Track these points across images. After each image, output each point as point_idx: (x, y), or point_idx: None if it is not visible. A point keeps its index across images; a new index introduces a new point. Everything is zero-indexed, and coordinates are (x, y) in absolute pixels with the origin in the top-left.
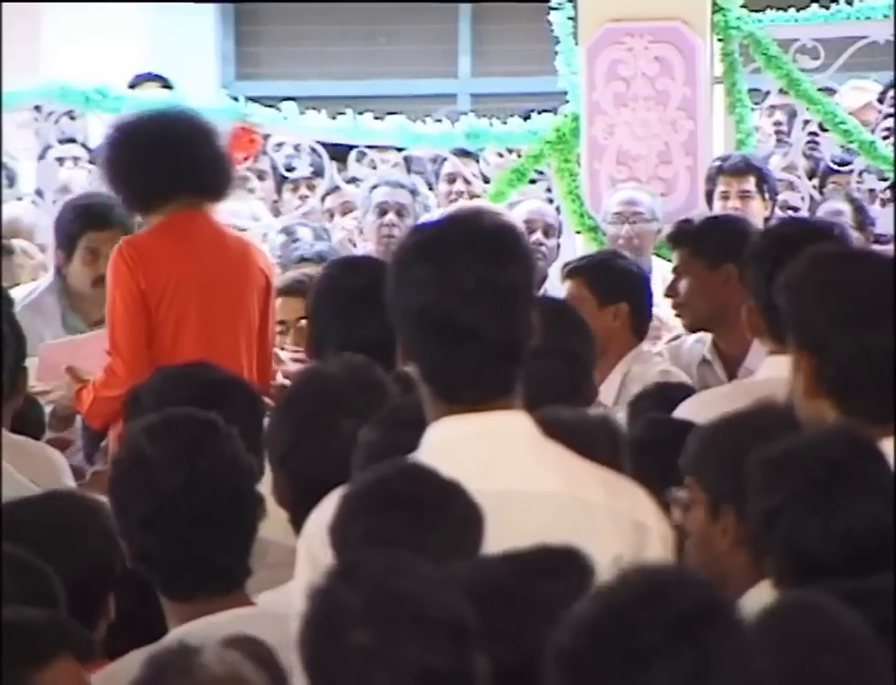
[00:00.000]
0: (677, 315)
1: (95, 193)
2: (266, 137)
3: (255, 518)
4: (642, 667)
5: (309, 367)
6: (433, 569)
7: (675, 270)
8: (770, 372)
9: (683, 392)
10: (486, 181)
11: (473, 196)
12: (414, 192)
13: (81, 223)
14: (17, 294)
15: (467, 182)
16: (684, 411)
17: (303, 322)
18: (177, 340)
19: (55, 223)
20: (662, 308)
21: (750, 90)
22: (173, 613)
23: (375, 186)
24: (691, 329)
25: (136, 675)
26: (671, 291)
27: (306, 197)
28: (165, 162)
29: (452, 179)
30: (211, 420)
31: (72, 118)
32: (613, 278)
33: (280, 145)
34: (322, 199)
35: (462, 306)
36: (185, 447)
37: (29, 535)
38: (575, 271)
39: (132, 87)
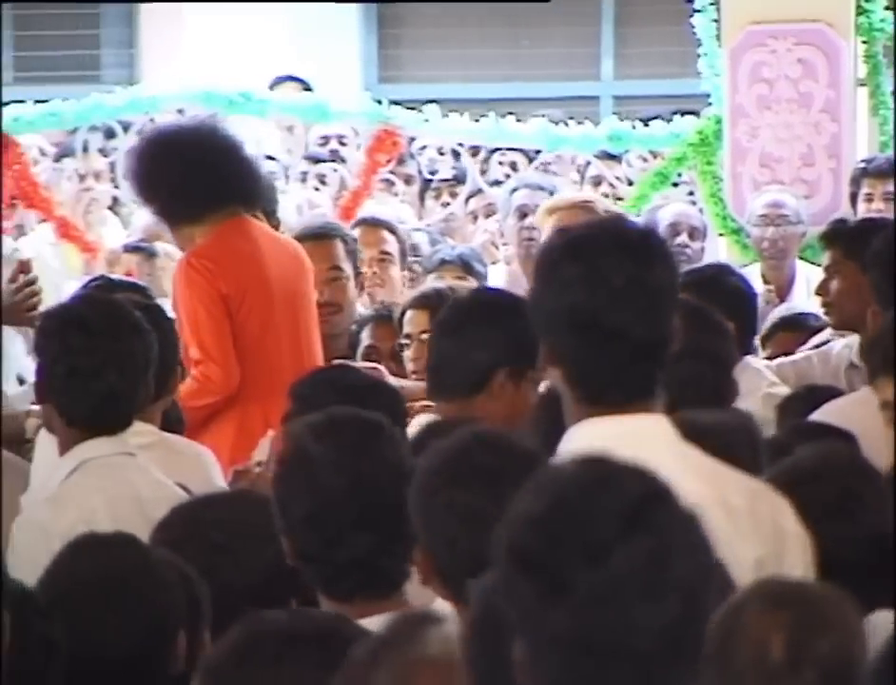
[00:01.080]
0: (826, 313)
1: None
2: (411, 140)
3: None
4: (601, 558)
5: None
6: None
7: (827, 269)
8: None
9: (831, 395)
10: (629, 183)
11: (617, 199)
12: (553, 194)
13: None
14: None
15: (611, 185)
16: (821, 415)
17: (425, 335)
18: (263, 341)
19: None
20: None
21: (895, 92)
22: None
23: (515, 189)
24: (838, 328)
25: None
26: (821, 290)
27: (448, 204)
28: (212, 173)
29: (597, 182)
30: (377, 422)
31: None
32: (721, 296)
33: (423, 148)
34: (466, 201)
35: (611, 305)
36: (350, 449)
37: (216, 535)
38: (684, 285)
39: (272, 89)
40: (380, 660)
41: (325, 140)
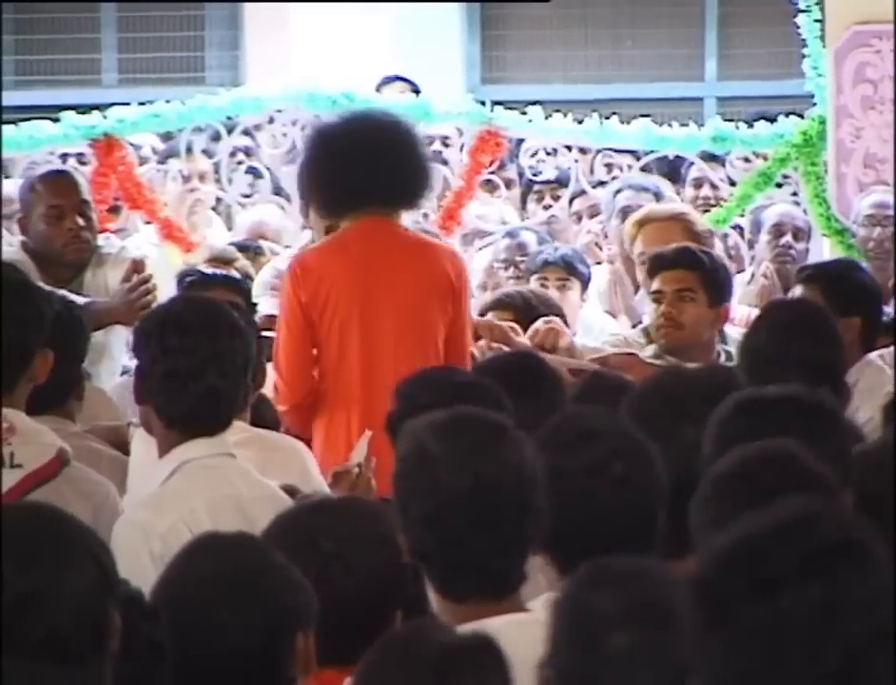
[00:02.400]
0: None
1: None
2: (520, 142)
3: (534, 526)
4: (769, 597)
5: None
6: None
7: None
8: None
9: None
10: (732, 184)
11: (719, 200)
12: (657, 195)
13: None
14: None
15: (713, 186)
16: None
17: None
18: (342, 349)
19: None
20: None
21: None
22: (446, 612)
23: (619, 190)
24: None
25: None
26: None
27: (550, 207)
28: (353, 172)
29: (699, 184)
30: (500, 424)
31: None
32: (850, 290)
33: (525, 150)
34: (570, 202)
35: None
36: (471, 449)
37: (325, 545)
38: (812, 278)
39: (378, 89)
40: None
41: (430, 141)
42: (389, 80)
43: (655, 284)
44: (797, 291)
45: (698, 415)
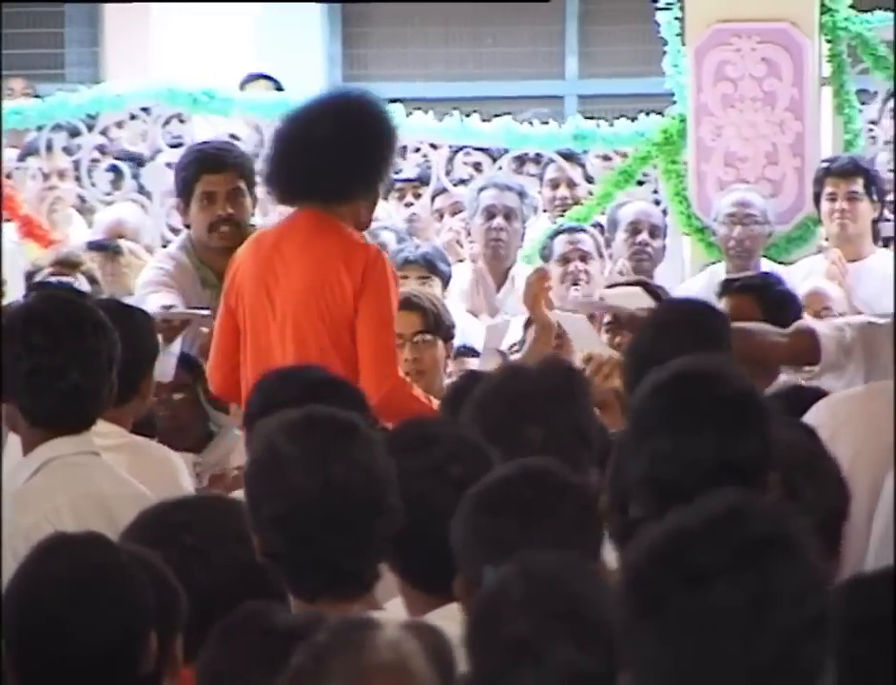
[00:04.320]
0: None
1: (212, 140)
2: None
3: (386, 525)
4: (701, 589)
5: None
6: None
7: None
8: None
9: (815, 395)
10: (589, 181)
11: (577, 200)
12: (522, 194)
13: (196, 167)
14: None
15: (570, 186)
16: (815, 412)
17: (419, 336)
18: (246, 337)
19: (174, 173)
20: None
21: (858, 92)
22: (299, 612)
23: (483, 188)
24: None
25: (312, 636)
26: None
27: (411, 205)
28: (288, 162)
29: (555, 184)
30: (351, 423)
31: (182, 121)
32: (785, 300)
33: None
34: (432, 200)
35: None
36: (322, 450)
37: (187, 539)
38: (746, 289)
39: (242, 87)
40: (330, 668)
41: None
42: (253, 77)
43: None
44: (726, 303)
45: (543, 415)
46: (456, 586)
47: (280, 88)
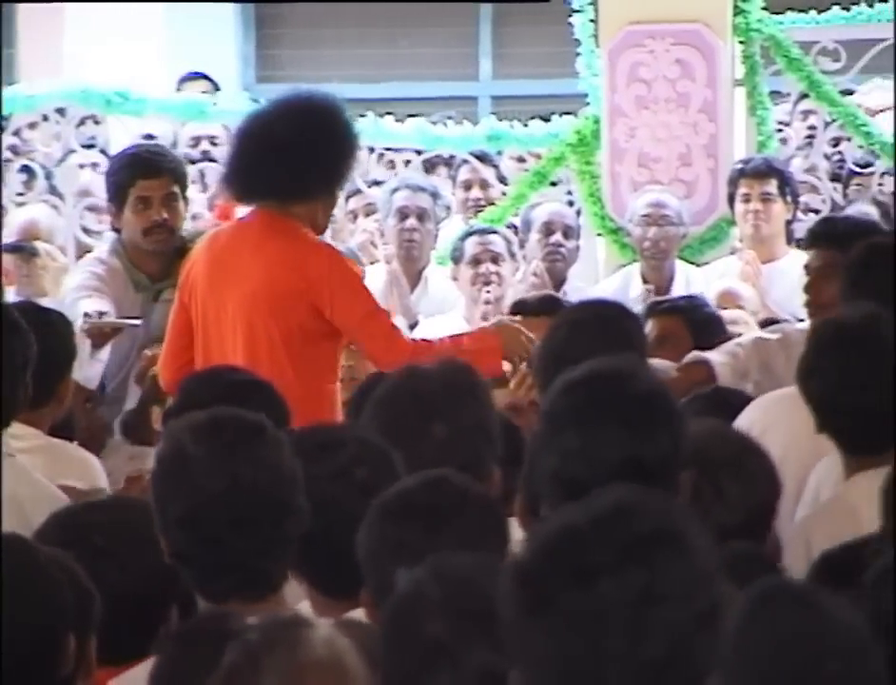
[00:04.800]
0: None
1: (143, 143)
2: None
3: (295, 526)
4: (589, 585)
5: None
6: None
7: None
8: None
9: (739, 398)
10: (503, 182)
11: (491, 201)
12: (435, 195)
13: (131, 172)
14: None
15: (483, 187)
16: (748, 411)
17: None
18: (198, 334)
19: (106, 177)
20: None
21: (772, 93)
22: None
23: (396, 190)
24: None
25: (246, 636)
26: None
27: None
28: (248, 161)
29: (468, 186)
30: (258, 424)
31: (96, 122)
32: (711, 321)
33: None
34: (346, 200)
35: None
36: (228, 450)
37: (98, 541)
38: (673, 310)
39: (180, 86)
40: (264, 665)
41: (196, 141)
42: (190, 77)
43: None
44: (653, 324)
45: (447, 412)
46: (363, 596)
47: (217, 88)
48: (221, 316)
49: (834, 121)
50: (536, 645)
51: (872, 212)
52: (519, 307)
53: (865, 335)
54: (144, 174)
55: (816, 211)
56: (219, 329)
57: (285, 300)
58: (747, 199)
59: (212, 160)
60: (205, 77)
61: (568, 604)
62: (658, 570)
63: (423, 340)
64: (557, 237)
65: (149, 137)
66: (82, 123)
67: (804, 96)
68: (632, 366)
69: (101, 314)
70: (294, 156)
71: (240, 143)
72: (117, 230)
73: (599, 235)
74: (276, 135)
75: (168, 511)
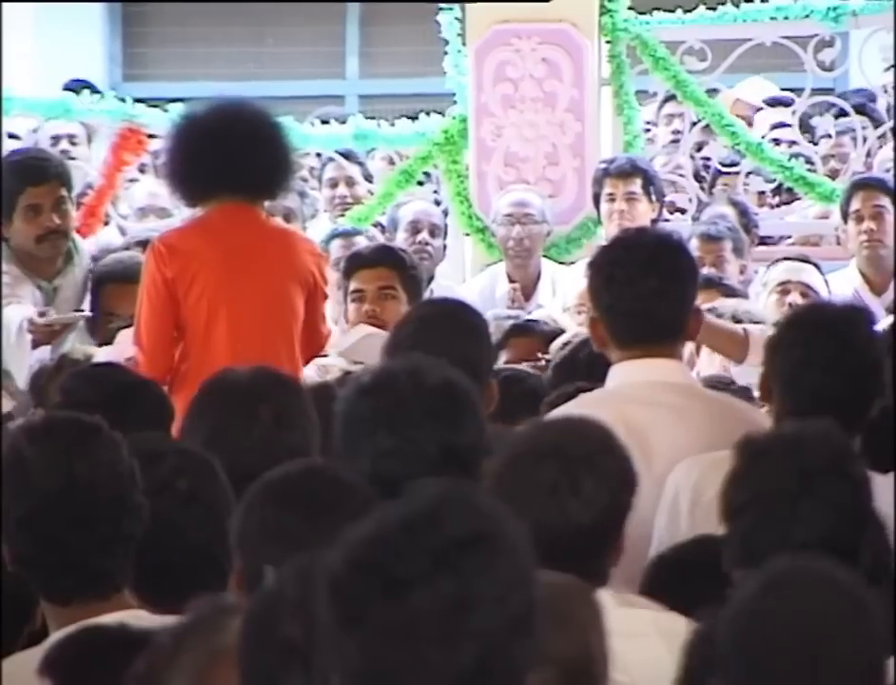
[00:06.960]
0: None
1: (27, 149)
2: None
3: (134, 523)
4: (401, 596)
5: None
6: None
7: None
8: (621, 379)
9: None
10: (369, 180)
11: (357, 199)
12: (302, 194)
13: (19, 179)
14: None
15: (350, 185)
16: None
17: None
18: (209, 329)
19: None
20: (554, 311)
21: (638, 92)
22: (53, 616)
23: None
24: None
25: (175, 620)
26: None
27: None
28: (208, 161)
29: (334, 184)
30: (94, 424)
31: None
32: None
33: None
34: None
35: None
36: (63, 450)
37: None
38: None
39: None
40: (184, 648)
41: (56, 140)
42: (77, 85)
43: (354, 284)
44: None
45: (254, 411)
46: (233, 579)
47: (96, 92)
48: (241, 311)
49: (700, 121)
50: (351, 658)
51: (729, 212)
52: (356, 260)
53: (844, 322)
54: (32, 181)
55: (682, 210)
56: (236, 325)
57: (305, 287)
58: (611, 198)
59: (72, 158)
60: (88, 85)
61: (379, 619)
62: (471, 575)
63: None
64: (424, 235)
65: (12, 136)
66: None
67: (670, 97)
68: (422, 362)
69: (42, 315)
70: (265, 152)
71: (193, 141)
72: (4, 239)
73: (466, 234)
74: (240, 132)
75: (9, 513)
